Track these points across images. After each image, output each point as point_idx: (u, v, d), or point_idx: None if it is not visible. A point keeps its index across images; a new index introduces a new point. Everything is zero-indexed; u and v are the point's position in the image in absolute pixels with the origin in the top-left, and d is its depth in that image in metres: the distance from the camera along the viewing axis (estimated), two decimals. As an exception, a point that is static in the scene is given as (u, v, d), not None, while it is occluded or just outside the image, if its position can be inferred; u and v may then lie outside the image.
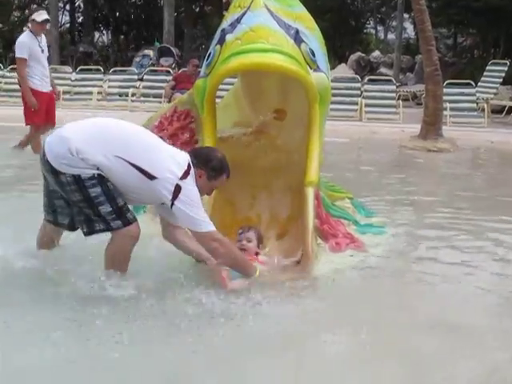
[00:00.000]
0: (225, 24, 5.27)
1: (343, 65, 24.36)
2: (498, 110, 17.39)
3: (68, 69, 20.29)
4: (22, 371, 3.45)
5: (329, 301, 4.56)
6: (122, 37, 35.70)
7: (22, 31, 32.72)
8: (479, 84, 17.73)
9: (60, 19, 32.14)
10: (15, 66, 19.46)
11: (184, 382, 3.51)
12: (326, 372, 3.58)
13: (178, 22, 30.19)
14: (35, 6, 33.21)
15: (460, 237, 6.21)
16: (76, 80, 18.35)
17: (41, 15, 9.70)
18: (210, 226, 4.43)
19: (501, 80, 18.07)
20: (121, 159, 4.30)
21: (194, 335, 3.90)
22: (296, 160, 5.47)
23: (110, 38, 37.54)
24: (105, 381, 3.44)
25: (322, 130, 5.40)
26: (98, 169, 4.29)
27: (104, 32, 37.85)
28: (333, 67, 20.01)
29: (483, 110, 15.97)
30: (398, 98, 17.26)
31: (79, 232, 4.64)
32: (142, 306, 4.20)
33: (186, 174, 4.39)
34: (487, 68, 18.64)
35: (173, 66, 20.78)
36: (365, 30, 38.83)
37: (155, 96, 17.47)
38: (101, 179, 4.31)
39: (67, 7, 35.26)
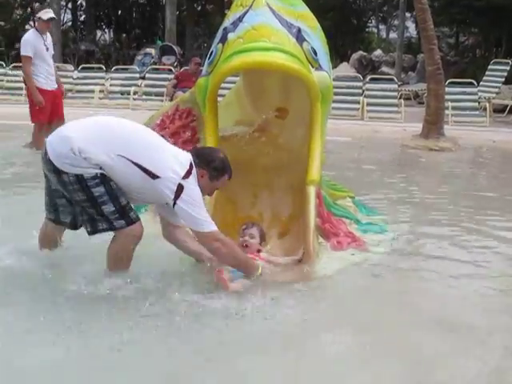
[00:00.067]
0: (227, 23, 5.26)
1: (345, 64, 24.39)
2: (499, 110, 17.39)
3: (70, 67, 20.31)
4: (21, 371, 3.45)
5: (330, 300, 4.57)
6: (124, 35, 35.74)
7: (24, 29, 32.84)
8: (481, 83, 17.74)
9: (62, 17, 32.17)
10: (18, 64, 19.62)
11: (184, 382, 3.50)
12: (326, 372, 3.58)
13: (180, 20, 30.24)
14: (37, 4, 33.32)
15: (462, 236, 6.20)
16: (78, 78, 18.37)
17: (47, 13, 9.72)
18: (211, 226, 4.42)
19: (503, 79, 18.08)
20: (123, 158, 4.29)
21: (194, 335, 3.89)
22: (298, 159, 5.47)
23: (111, 36, 37.60)
24: (105, 380, 3.43)
25: (323, 128, 5.40)
26: (100, 168, 4.28)
27: (106, 30, 37.93)
28: (335, 66, 20.04)
29: (485, 109, 15.96)
30: (400, 97, 17.26)
31: (81, 231, 4.64)
32: (142, 306, 4.18)
33: (188, 174, 4.38)
34: (489, 67, 18.65)
35: (175, 64, 20.83)
36: (367, 29, 38.92)
37: (157, 94, 17.47)
38: (104, 178, 4.30)
39: (69, 5, 35.31)
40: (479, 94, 16.63)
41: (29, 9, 34.82)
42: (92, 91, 17.66)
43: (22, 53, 9.50)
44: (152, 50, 23.62)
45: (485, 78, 18.30)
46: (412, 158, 11.67)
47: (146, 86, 18.16)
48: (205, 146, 5.23)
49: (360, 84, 17.17)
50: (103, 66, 20.15)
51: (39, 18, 9.66)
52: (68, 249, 5.01)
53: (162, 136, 4.87)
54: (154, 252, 5.02)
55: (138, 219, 4.52)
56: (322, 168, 5.41)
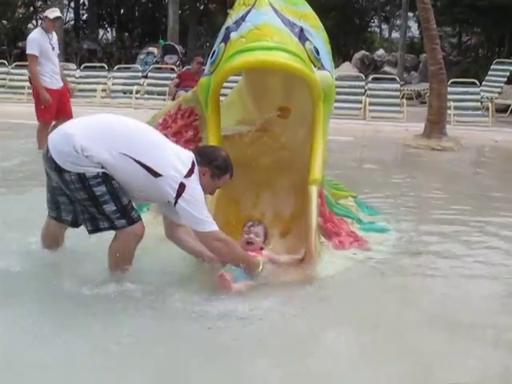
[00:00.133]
0: (229, 22, 5.27)
1: (347, 63, 24.39)
2: (502, 109, 17.38)
3: (72, 66, 20.31)
4: (21, 370, 3.46)
5: (332, 299, 4.57)
6: (127, 34, 35.74)
7: (27, 28, 32.83)
8: (484, 83, 17.71)
9: (64, 16, 32.17)
10: (20, 63, 19.65)
11: (184, 382, 3.50)
12: (327, 371, 3.58)
13: (183, 19, 30.23)
14: (40, 2, 33.33)
15: (464, 235, 6.20)
16: (80, 77, 18.35)
17: (53, 12, 9.71)
18: (212, 226, 4.41)
19: (505, 79, 18.06)
20: (126, 156, 4.29)
21: (196, 335, 3.89)
22: (300, 158, 5.47)
23: (114, 35, 37.60)
24: (105, 380, 3.43)
25: (325, 128, 5.39)
26: (102, 167, 4.28)
27: (108, 29, 37.94)
28: (337, 65, 20.03)
29: (487, 109, 15.95)
30: (402, 97, 17.24)
31: (82, 230, 4.64)
32: (143, 306, 4.19)
33: (190, 172, 4.38)
34: (492, 67, 18.62)
35: (177, 63, 20.83)
36: (369, 29, 38.87)
37: (159, 93, 17.47)
38: (105, 178, 4.30)
39: (72, 4, 35.32)
40: (482, 93, 16.61)
41: (31, 8, 34.82)
42: (94, 90, 17.67)
43: (28, 51, 9.49)
44: (154, 49, 23.61)
45: (487, 77, 18.28)
46: (414, 157, 11.67)
47: (149, 85, 18.15)
48: (207, 144, 5.23)
49: (362, 83, 17.16)
50: (105, 65, 20.16)
51: (45, 16, 9.65)
52: (69, 248, 5.03)
53: (165, 135, 4.87)
54: (156, 252, 5.02)
55: (139, 219, 4.52)
56: (324, 167, 5.41)
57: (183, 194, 4.31)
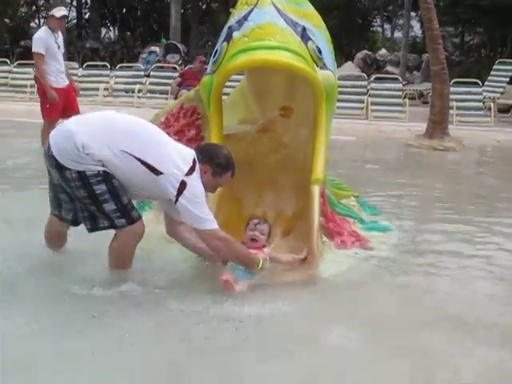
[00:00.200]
0: (232, 21, 5.26)
1: (349, 63, 24.39)
2: (504, 110, 17.39)
3: (75, 65, 20.33)
4: (21, 370, 3.46)
5: (333, 299, 4.57)
6: (129, 33, 35.75)
7: (29, 27, 32.83)
8: (486, 83, 17.71)
9: (67, 15, 32.18)
10: (22, 62, 19.66)
11: (185, 383, 3.50)
12: (330, 371, 3.58)
13: (185, 18, 30.23)
14: (42, 1, 33.35)
15: (467, 235, 6.19)
16: (83, 76, 18.36)
17: (60, 11, 9.70)
18: (212, 224, 4.41)
19: (508, 79, 18.07)
20: (126, 154, 4.28)
21: (197, 335, 3.88)
22: (302, 158, 5.47)
23: (116, 34, 37.62)
24: (105, 379, 3.42)
25: (328, 127, 5.39)
26: (103, 165, 4.28)
27: (111, 28, 37.95)
28: (339, 65, 20.00)
29: (490, 109, 15.95)
30: (405, 97, 17.24)
31: (84, 229, 4.64)
32: (143, 306, 4.19)
33: (191, 170, 4.38)
34: (494, 67, 18.62)
35: (179, 62, 20.80)
36: (371, 28, 38.89)
37: (161, 92, 17.48)
38: (106, 176, 4.30)
39: (74, 3, 35.34)
40: (484, 93, 16.61)
41: (34, 6, 34.84)
42: (96, 89, 17.67)
43: (34, 50, 9.46)
44: (157, 48, 23.61)
45: (490, 77, 18.28)
46: (416, 157, 11.67)
47: (151, 84, 18.16)
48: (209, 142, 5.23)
49: (364, 83, 17.16)
50: (108, 64, 20.16)
51: (52, 15, 9.62)
52: (70, 247, 5.04)
53: (167, 134, 4.86)
54: (157, 252, 5.04)
55: (139, 218, 4.52)
56: (326, 167, 5.41)
57: (184, 192, 4.30)
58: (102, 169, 4.28)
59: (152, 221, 5.27)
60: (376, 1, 36.09)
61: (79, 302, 4.20)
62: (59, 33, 9.72)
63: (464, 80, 17.16)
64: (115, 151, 4.27)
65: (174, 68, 19.05)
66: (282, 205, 5.62)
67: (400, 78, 18.35)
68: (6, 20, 31.55)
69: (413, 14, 28.86)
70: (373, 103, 16.21)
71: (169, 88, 16.68)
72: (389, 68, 24.33)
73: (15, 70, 19.15)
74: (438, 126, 12.75)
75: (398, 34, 37.30)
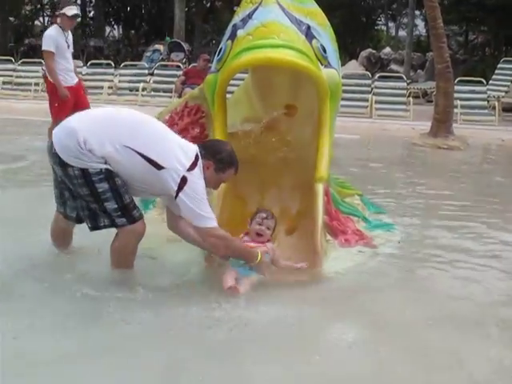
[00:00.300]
0: (236, 19, 5.26)
1: (354, 61, 24.40)
2: (509, 108, 17.33)
3: (79, 63, 20.34)
4: (20, 370, 3.46)
5: (337, 297, 4.56)
6: (133, 31, 35.76)
7: (33, 24, 32.81)
8: (490, 82, 17.69)
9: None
10: (27, 60, 19.68)
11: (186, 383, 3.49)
12: (331, 370, 3.58)
13: (189, 17, 30.23)
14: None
15: (471, 233, 6.19)
16: (87, 74, 18.37)
17: (71, 10, 9.65)
18: (211, 222, 4.39)
19: (512, 78, 18.03)
20: (128, 149, 4.28)
21: (198, 335, 3.88)
22: (306, 156, 5.46)
23: (120, 32, 37.64)
24: (105, 381, 3.42)
25: (332, 126, 5.39)
26: (105, 162, 4.28)
27: (115, 26, 37.97)
28: (343, 64, 19.97)
29: (494, 107, 15.92)
30: (409, 95, 17.24)
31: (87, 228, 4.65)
32: (145, 306, 4.18)
33: (193, 165, 4.37)
34: (499, 66, 18.59)
35: (183, 60, 20.84)
36: (376, 27, 38.89)
37: (165, 91, 17.49)
38: (108, 174, 4.30)
39: (78, 1, 35.34)
40: (488, 92, 16.59)
41: (38, 5, 34.89)
42: (101, 87, 17.66)
43: (45, 47, 9.40)
44: (161, 47, 23.64)
45: (494, 76, 18.25)
46: (420, 156, 11.67)
47: (155, 82, 18.18)
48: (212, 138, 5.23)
49: (369, 82, 17.17)
50: (112, 62, 20.18)
51: (63, 14, 9.57)
52: (72, 246, 5.03)
53: (171, 131, 4.86)
54: (160, 251, 5.06)
55: (140, 218, 4.51)
56: (330, 165, 5.41)
57: (184, 188, 4.29)
58: (104, 167, 4.28)
59: (156, 219, 5.28)
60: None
61: (80, 302, 4.20)
62: (69, 32, 9.70)
63: (468, 79, 17.13)
64: (117, 146, 4.27)
65: (178, 66, 19.06)
66: (286, 203, 5.62)
67: (404, 77, 18.32)
68: (11, 18, 31.61)
69: (417, 12, 28.86)
70: (377, 102, 16.20)
71: (173, 86, 16.68)
72: (393, 66, 24.32)
73: (19, 68, 19.18)
74: (442, 124, 12.73)
75: (402, 33, 37.33)
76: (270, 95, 5.85)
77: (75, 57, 23.07)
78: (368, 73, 19.16)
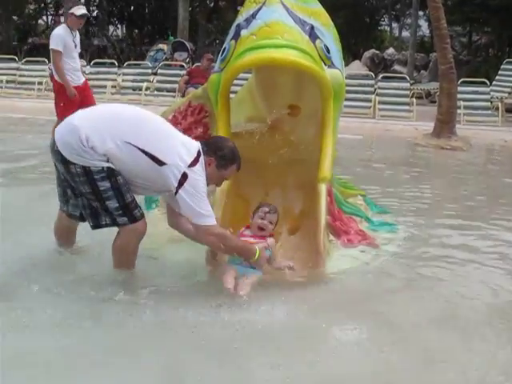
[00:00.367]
0: (240, 19, 5.26)
1: (357, 62, 24.41)
2: (512, 109, 17.35)
3: (82, 62, 20.34)
4: (20, 370, 3.46)
5: (339, 298, 4.57)
6: (137, 31, 35.77)
7: (36, 23, 32.78)
8: (494, 83, 17.68)
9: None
10: (30, 59, 19.69)
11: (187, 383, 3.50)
12: (332, 371, 3.58)
13: (193, 16, 30.23)
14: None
15: (472, 234, 6.19)
16: (90, 73, 18.38)
17: (80, 9, 9.67)
18: (209, 220, 4.37)
19: (515, 79, 18.01)
20: (130, 145, 4.28)
21: (199, 335, 3.88)
22: (309, 156, 5.46)
23: (124, 31, 37.64)
24: (103, 380, 3.43)
25: (335, 126, 5.39)
26: (107, 160, 4.28)
27: (118, 26, 37.95)
28: (347, 64, 20.01)
29: (497, 108, 15.93)
30: (412, 96, 17.24)
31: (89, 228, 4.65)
32: (146, 307, 4.19)
33: (195, 162, 4.36)
34: (502, 67, 18.57)
35: (187, 60, 20.82)
36: (379, 27, 38.85)
37: (169, 90, 17.51)
38: (110, 173, 4.30)
39: (82, 0, 35.36)
40: (491, 93, 16.58)
41: (42, 4, 34.90)
42: (104, 86, 17.68)
43: (52, 46, 9.40)
44: (164, 46, 23.63)
45: (497, 77, 18.23)
46: (423, 156, 11.67)
47: (158, 81, 18.20)
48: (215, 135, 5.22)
49: (372, 82, 17.17)
50: (115, 62, 20.19)
51: (72, 13, 9.59)
52: (74, 245, 5.04)
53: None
54: (161, 252, 5.08)
55: (141, 217, 4.52)
56: (333, 165, 5.41)
57: (184, 184, 4.29)
58: (106, 165, 4.28)
59: (159, 219, 5.29)
60: (384, 0, 36.04)
61: (81, 302, 4.21)
62: (77, 32, 9.71)
63: (472, 79, 17.13)
64: (118, 142, 4.27)
65: (182, 66, 19.07)
66: (289, 203, 5.62)
67: (407, 77, 18.32)
68: (14, 17, 31.63)
69: (421, 13, 28.81)
70: (380, 102, 16.20)
71: (176, 86, 16.70)
72: (396, 67, 24.31)
73: (23, 67, 19.22)
74: (445, 125, 12.73)
75: (405, 33, 37.22)
76: (273, 95, 5.85)
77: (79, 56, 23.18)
78: (371, 73, 19.15)
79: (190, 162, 4.34)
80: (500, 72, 18.42)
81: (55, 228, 4.96)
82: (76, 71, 9.59)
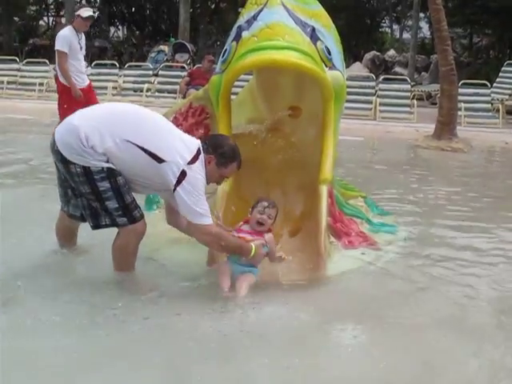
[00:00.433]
0: (241, 21, 5.26)
1: (358, 63, 24.42)
2: (512, 111, 17.36)
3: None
4: (21, 370, 3.46)
5: (339, 299, 4.57)
6: (138, 32, 35.79)
7: (37, 25, 32.79)
8: (494, 85, 17.70)
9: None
10: (31, 60, 19.71)
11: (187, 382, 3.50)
12: (333, 371, 3.59)
13: (194, 18, 30.22)
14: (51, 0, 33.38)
15: (474, 237, 6.18)
16: (91, 75, 18.35)
17: (87, 11, 9.66)
18: (205, 219, 4.35)
19: (516, 81, 18.02)
20: (129, 143, 4.27)
21: (199, 335, 3.88)
22: (310, 158, 5.47)
23: (125, 33, 37.66)
24: (103, 381, 3.43)
25: (336, 128, 5.40)
26: (107, 160, 4.28)
27: (119, 27, 37.98)
28: (348, 66, 20.05)
29: (498, 110, 15.95)
30: (413, 98, 17.25)
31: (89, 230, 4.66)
32: (147, 307, 4.20)
33: (194, 159, 4.35)
34: (503, 69, 18.60)
35: (188, 61, 20.82)
36: (380, 29, 38.87)
37: (170, 92, 17.53)
38: (110, 173, 4.30)
39: (83, 2, 35.40)
40: (492, 95, 16.62)
41: (43, 5, 34.94)
42: (105, 88, 17.68)
43: (58, 47, 9.37)
44: (165, 48, 23.65)
45: (498, 79, 18.26)
46: (424, 158, 11.68)
47: (159, 83, 18.22)
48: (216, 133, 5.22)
49: (373, 84, 17.18)
50: (116, 63, 20.20)
51: (78, 15, 9.58)
52: (75, 246, 5.05)
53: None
54: (162, 252, 5.08)
55: (141, 218, 4.51)
56: (334, 167, 5.41)
57: (183, 182, 4.27)
58: (106, 165, 4.28)
59: (159, 220, 5.29)
60: (385, 1, 36.06)
61: (81, 303, 4.20)
62: (82, 34, 9.70)
63: (472, 81, 17.15)
64: (117, 141, 4.26)
65: (183, 67, 19.08)
66: (290, 205, 5.62)
67: (408, 79, 18.34)
68: (15, 18, 31.65)
69: (421, 14, 28.83)
70: (381, 104, 16.22)
71: (177, 87, 16.71)
72: (397, 69, 24.33)
73: (24, 68, 19.24)
74: (446, 127, 12.75)
75: (406, 35, 37.24)
76: (274, 97, 5.86)
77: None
78: (372, 75, 19.18)
79: (189, 159, 4.32)
80: (501, 74, 18.44)
81: (56, 228, 4.96)
82: (81, 73, 9.58)
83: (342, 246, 5.34)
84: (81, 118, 4.41)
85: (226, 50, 5.27)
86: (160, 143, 4.34)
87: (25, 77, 18.76)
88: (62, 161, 4.34)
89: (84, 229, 4.82)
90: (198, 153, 4.40)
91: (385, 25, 40.33)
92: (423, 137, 13.04)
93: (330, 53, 5.20)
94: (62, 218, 4.89)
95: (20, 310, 4.09)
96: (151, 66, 20.01)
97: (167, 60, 21.88)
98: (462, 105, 14.74)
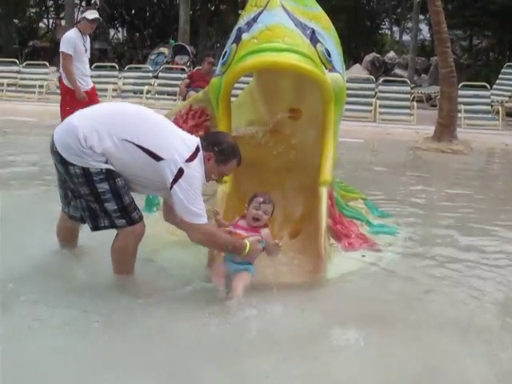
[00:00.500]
0: (241, 23, 5.27)
1: (358, 65, 24.45)
2: (512, 113, 17.37)
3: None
4: (21, 370, 3.46)
5: (340, 301, 4.57)
6: (138, 34, 35.82)
7: (37, 27, 32.80)
8: (494, 87, 17.71)
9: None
10: (31, 62, 19.72)
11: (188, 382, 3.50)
12: (333, 372, 3.58)
13: (194, 20, 30.26)
14: (51, 2, 33.44)
15: (474, 237, 6.19)
16: (91, 77, 18.32)
17: (92, 14, 9.65)
18: (200, 219, 4.34)
19: (516, 83, 18.03)
20: (127, 142, 4.26)
21: (199, 335, 3.88)
22: (310, 159, 5.47)
23: (125, 35, 37.70)
24: (103, 381, 3.43)
25: (336, 130, 5.40)
26: (106, 161, 4.27)
27: (119, 29, 38.02)
28: (347, 67, 20.04)
29: (498, 112, 15.96)
30: (413, 100, 17.27)
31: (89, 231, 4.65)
32: (148, 307, 4.19)
33: (193, 157, 4.33)
34: (502, 71, 18.62)
35: (188, 63, 20.85)
36: (380, 31, 38.92)
37: (170, 94, 17.54)
38: (109, 175, 4.29)
39: (83, 4, 35.46)
40: (492, 97, 16.63)
41: (43, 7, 34.97)
42: (105, 90, 17.66)
43: (63, 49, 9.35)
44: (165, 50, 23.68)
45: (498, 81, 18.27)
46: (424, 160, 11.68)
47: (159, 85, 18.23)
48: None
49: (373, 86, 17.20)
50: (116, 65, 20.21)
51: (84, 17, 9.58)
52: (75, 248, 5.05)
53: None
54: (163, 253, 5.08)
55: (140, 220, 4.50)
56: (334, 169, 5.41)
57: (180, 180, 4.25)
58: (105, 166, 4.28)
59: (159, 221, 5.28)
60: (385, 4, 36.11)
61: (81, 304, 4.20)
62: (87, 37, 9.69)
63: (472, 83, 17.15)
64: (115, 140, 4.25)
65: (183, 69, 19.10)
66: (290, 207, 5.62)
67: (408, 81, 18.35)
68: (15, 20, 31.67)
69: (421, 16, 28.88)
70: (381, 106, 16.23)
71: (177, 89, 16.71)
72: (397, 71, 24.35)
73: (24, 70, 19.26)
74: (446, 129, 12.75)
75: (406, 37, 37.26)
76: (274, 99, 5.86)
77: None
78: (372, 77, 19.20)
79: (187, 156, 4.30)
80: (500, 76, 18.46)
81: (57, 229, 4.96)
82: (85, 76, 9.58)
83: (342, 248, 5.34)
84: (80, 118, 4.41)
85: (226, 52, 5.27)
86: (159, 142, 4.32)
87: (25, 79, 18.77)
88: (62, 162, 4.33)
89: (84, 230, 4.81)
90: (197, 150, 4.39)
91: (385, 27, 40.40)
92: (423, 139, 13.04)
93: (329, 55, 5.20)
94: (63, 219, 4.89)
95: (20, 311, 4.08)
96: (151, 68, 20.01)
97: (167, 62, 21.92)
98: (462, 107, 14.75)
